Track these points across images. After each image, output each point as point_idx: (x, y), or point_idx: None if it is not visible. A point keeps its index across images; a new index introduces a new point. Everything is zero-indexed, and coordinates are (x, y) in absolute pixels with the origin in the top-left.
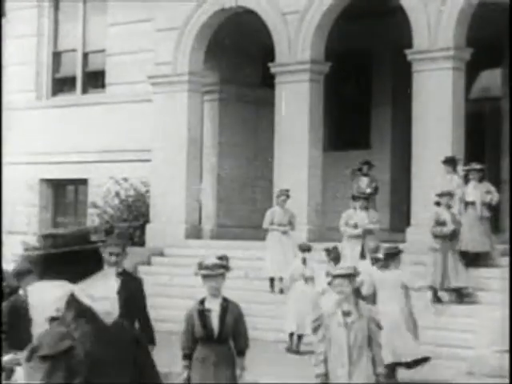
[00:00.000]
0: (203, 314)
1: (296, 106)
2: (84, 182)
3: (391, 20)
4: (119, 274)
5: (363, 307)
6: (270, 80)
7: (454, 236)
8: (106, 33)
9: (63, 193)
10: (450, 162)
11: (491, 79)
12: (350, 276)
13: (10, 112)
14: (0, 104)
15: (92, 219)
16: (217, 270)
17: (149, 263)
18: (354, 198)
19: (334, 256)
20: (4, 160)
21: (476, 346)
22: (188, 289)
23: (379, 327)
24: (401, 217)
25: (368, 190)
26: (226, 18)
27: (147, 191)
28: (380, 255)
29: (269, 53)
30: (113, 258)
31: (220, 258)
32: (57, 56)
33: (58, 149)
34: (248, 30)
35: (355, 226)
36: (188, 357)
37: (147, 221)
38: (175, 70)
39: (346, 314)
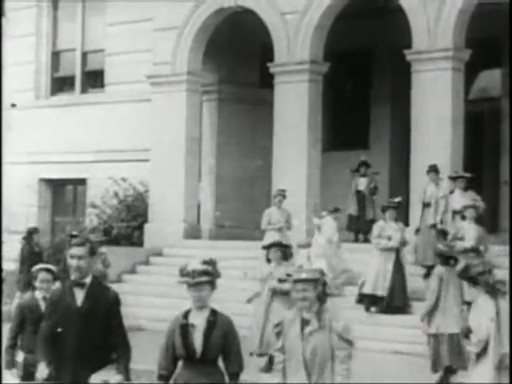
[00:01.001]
0: (185, 329)
1: (295, 106)
2: (83, 181)
3: (390, 20)
4: (81, 285)
5: (327, 316)
6: (268, 80)
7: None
8: (105, 32)
9: (62, 193)
10: (433, 170)
11: (490, 79)
12: (316, 281)
13: (9, 111)
14: (0, 104)
15: (90, 219)
16: (200, 278)
17: (147, 263)
18: (384, 208)
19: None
20: (3, 160)
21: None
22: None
23: (347, 341)
24: (399, 217)
25: (397, 199)
26: (225, 18)
27: (146, 191)
28: None
29: (268, 53)
30: (74, 262)
31: (206, 263)
32: (56, 56)
33: (56, 148)
34: (247, 29)
35: (389, 238)
36: (165, 378)
37: (146, 221)
38: (174, 69)
39: (306, 323)
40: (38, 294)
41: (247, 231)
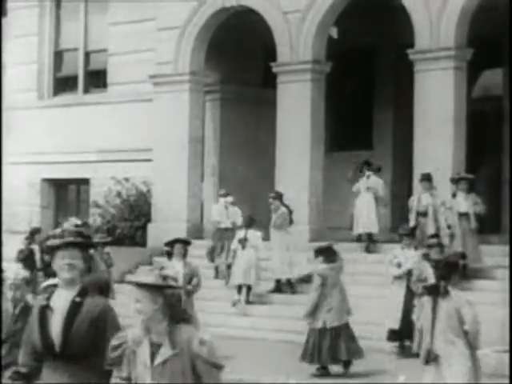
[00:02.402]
0: (44, 314)
1: (297, 105)
2: (86, 181)
3: (393, 20)
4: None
5: (185, 335)
6: (271, 80)
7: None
8: (108, 32)
9: (65, 192)
10: (426, 179)
11: (492, 78)
12: (154, 288)
13: (11, 112)
14: (0, 104)
15: (94, 219)
16: (71, 238)
17: (150, 263)
18: (400, 236)
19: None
20: (6, 160)
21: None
22: None
23: (215, 366)
24: (401, 217)
25: (411, 224)
26: (228, 18)
27: (149, 191)
28: None
29: (270, 52)
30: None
31: (78, 226)
32: (58, 55)
33: (59, 148)
34: (249, 29)
35: (399, 265)
36: (22, 377)
37: (149, 220)
38: (176, 69)
39: (156, 347)
40: None
41: None
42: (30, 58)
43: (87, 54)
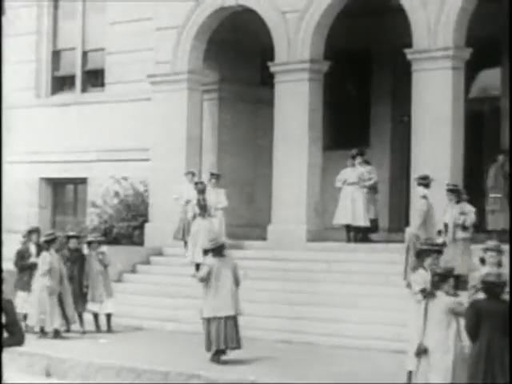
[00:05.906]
0: None
1: (295, 104)
2: (83, 181)
3: (391, 19)
4: None
5: None
6: (269, 79)
7: None
8: (106, 31)
9: (62, 192)
10: (425, 181)
11: (490, 78)
12: None
13: (9, 110)
14: (0, 104)
15: (91, 219)
16: None
17: (148, 263)
18: (419, 253)
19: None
20: (3, 159)
21: None
22: (186, 288)
23: None
24: (399, 216)
25: (439, 240)
26: (226, 17)
27: (146, 190)
28: None
29: (268, 52)
30: None
31: None
32: (56, 54)
33: (57, 148)
34: (247, 28)
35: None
36: None
37: (146, 220)
38: (175, 68)
39: None
40: None
41: (248, 229)
42: (28, 57)
43: (85, 54)
